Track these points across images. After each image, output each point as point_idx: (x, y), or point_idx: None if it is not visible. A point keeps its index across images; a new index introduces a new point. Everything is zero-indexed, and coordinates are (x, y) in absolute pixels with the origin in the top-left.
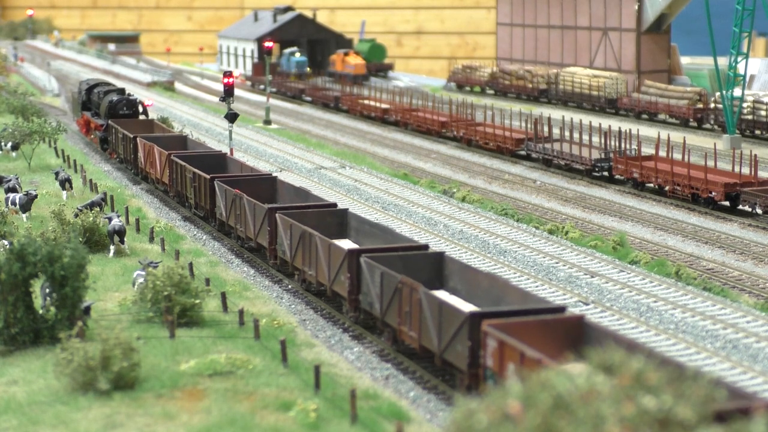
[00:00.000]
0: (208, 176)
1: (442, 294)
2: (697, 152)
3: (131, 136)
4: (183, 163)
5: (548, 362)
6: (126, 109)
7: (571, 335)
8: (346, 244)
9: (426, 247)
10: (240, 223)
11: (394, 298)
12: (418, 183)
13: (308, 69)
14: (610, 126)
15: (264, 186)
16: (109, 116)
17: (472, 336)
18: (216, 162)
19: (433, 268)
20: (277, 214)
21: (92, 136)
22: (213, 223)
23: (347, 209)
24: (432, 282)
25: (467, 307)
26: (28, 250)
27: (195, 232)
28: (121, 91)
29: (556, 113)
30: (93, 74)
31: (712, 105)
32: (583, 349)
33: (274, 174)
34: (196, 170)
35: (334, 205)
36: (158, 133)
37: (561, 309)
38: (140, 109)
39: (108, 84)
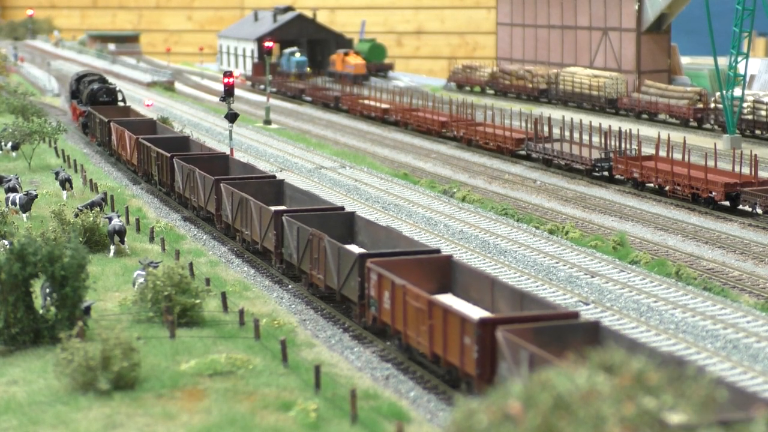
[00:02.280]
0: (168, 154)
1: (351, 247)
2: (697, 152)
3: (106, 120)
4: (149, 144)
5: (411, 288)
6: (106, 96)
7: (441, 272)
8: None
9: (342, 208)
10: (194, 194)
11: (307, 248)
12: (418, 183)
13: (308, 69)
14: (610, 126)
15: (217, 162)
16: (91, 103)
17: (360, 273)
18: (179, 144)
19: (346, 226)
20: (222, 184)
21: (78, 122)
22: (173, 196)
23: (283, 180)
24: (344, 238)
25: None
26: (28, 250)
27: (195, 232)
28: (103, 80)
29: (556, 113)
30: None
31: (713, 105)
32: (448, 284)
33: (227, 153)
34: (159, 150)
35: (273, 176)
36: (132, 118)
37: (435, 251)
38: (119, 96)
39: (95, 75)
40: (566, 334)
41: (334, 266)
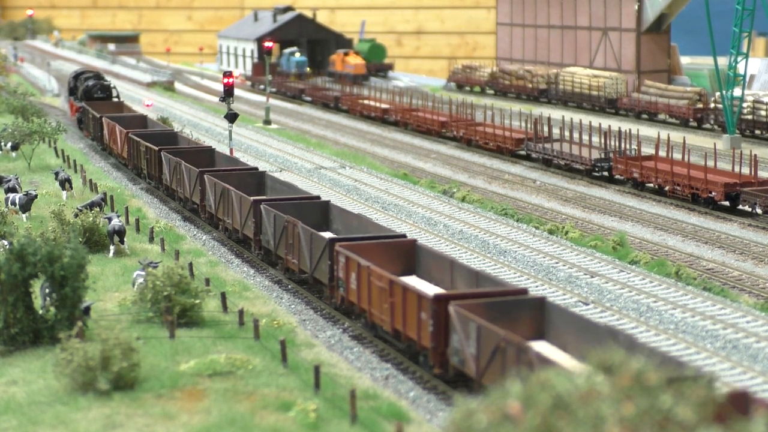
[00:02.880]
0: (156, 148)
1: (325, 233)
2: (697, 152)
3: (98, 115)
4: (138, 139)
5: (374, 269)
6: (100, 92)
7: (406, 255)
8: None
9: (318, 197)
10: (180, 186)
11: (283, 235)
12: (418, 183)
13: (308, 69)
14: (610, 126)
15: (203, 156)
16: (86, 99)
17: (330, 256)
18: (168, 139)
19: (321, 214)
20: (205, 175)
21: (74, 118)
22: (161, 188)
23: (264, 171)
24: (320, 225)
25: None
26: (27, 251)
27: (195, 232)
28: (98, 76)
29: (556, 113)
30: None
31: (712, 105)
32: (412, 266)
33: (214, 147)
34: (147, 144)
35: (255, 168)
36: (124, 113)
37: (401, 236)
38: (114, 93)
39: (92, 72)
40: (515, 308)
41: (307, 251)
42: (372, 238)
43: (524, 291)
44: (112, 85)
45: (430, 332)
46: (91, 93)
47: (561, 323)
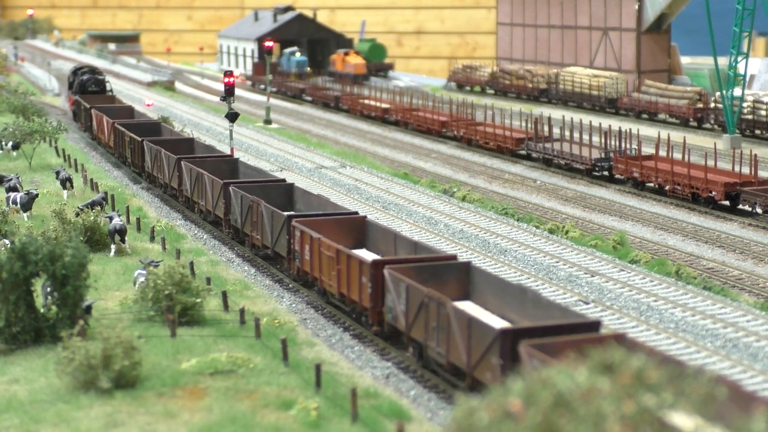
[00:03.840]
0: (139, 138)
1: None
2: (697, 152)
3: (88, 107)
4: (123, 129)
5: (324, 240)
6: (94, 86)
7: (357, 230)
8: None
9: (283, 180)
10: (160, 173)
11: (248, 214)
12: (418, 182)
13: (308, 69)
14: (610, 126)
15: (183, 145)
16: (81, 92)
17: (288, 231)
18: (151, 129)
19: (286, 195)
20: (182, 162)
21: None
22: (144, 175)
23: (238, 159)
24: (285, 205)
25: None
26: (29, 249)
27: (196, 232)
28: (93, 71)
29: (557, 113)
30: None
31: (712, 105)
32: (361, 239)
33: (194, 138)
34: (131, 134)
35: (230, 155)
36: (114, 105)
37: (353, 213)
38: (108, 86)
39: (89, 67)
40: (443, 272)
41: (269, 227)
42: (326, 215)
43: (453, 257)
44: (106, 80)
45: (369, 294)
46: (85, 86)
47: (484, 284)
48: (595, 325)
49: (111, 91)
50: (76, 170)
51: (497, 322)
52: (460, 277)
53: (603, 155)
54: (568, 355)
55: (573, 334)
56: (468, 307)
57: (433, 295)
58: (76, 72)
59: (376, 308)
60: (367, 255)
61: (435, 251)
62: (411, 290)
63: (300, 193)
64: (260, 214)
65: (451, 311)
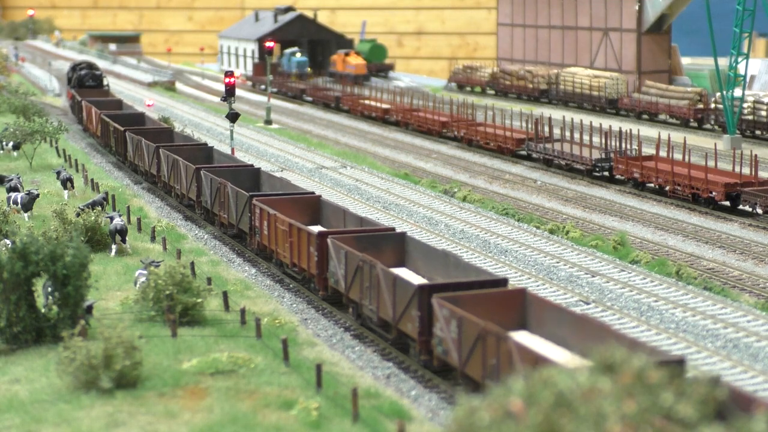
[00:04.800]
0: (122, 128)
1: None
2: (697, 152)
3: (79, 99)
4: (108, 119)
5: (280, 216)
6: (91, 81)
7: (312, 209)
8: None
9: (251, 165)
10: (141, 161)
11: (217, 195)
12: (419, 183)
13: (309, 69)
14: (610, 126)
15: (162, 135)
16: (78, 86)
17: (250, 209)
18: (135, 120)
19: (254, 179)
20: (160, 150)
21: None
22: (126, 164)
23: (213, 147)
24: (252, 188)
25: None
26: (30, 249)
27: (196, 232)
28: (91, 66)
29: (557, 113)
30: None
31: (713, 105)
32: (316, 217)
33: (173, 128)
34: (115, 124)
35: (205, 144)
36: (103, 98)
37: (309, 193)
38: (105, 82)
39: (87, 63)
40: (381, 241)
41: (234, 206)
42: (284, 194)
43: (391, 229)
44: (102, 74)
45: (315, 261)
46: (83, 81)
47: (416, 253)
48: (502, 282)
49: (108, 86)
50: (77, 170)
51: (417, 280)
52: (396, 247)
53: (603, 156)
54: (474, 305)
55: (481, 289)
56: (403, 272)
57: (366, 258)
58: (74, 68)
59: (322, 274)
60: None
61: (375, 223)
62: (348, 255)
63: (266, 177)
64: (227, 195)
65: (380, 271)
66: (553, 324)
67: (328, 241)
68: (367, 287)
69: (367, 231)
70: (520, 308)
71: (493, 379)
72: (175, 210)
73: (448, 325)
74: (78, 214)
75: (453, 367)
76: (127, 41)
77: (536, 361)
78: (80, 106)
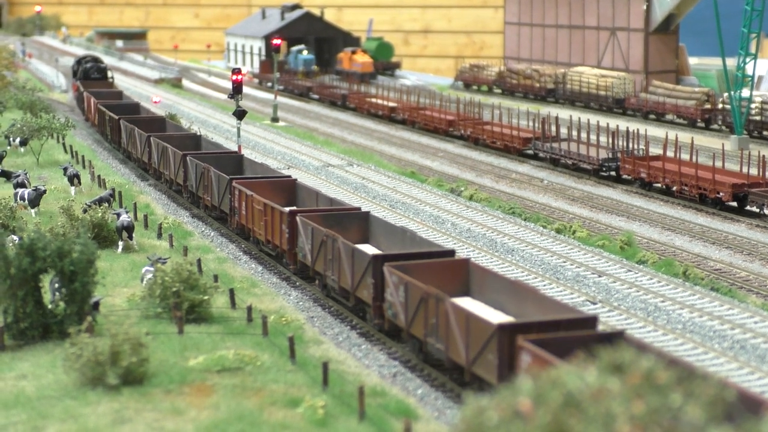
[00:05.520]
0: (116, 117)
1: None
2: (704, 153)
3: (83, 90)
4: (104, 109)
5: (256, 197)
6: (96, 73)
7: (288, 191)
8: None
9: (234, 152)
10: (134, 148)
11: (201, 179)
12: (425, 181)
13: (315, 67)
14: (617, 126)
15: (155, 124)
16: (84, 79)
17: (230, 191)
18: (130, 110)
19: (237, 164)
20: (151, 138)
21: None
22: (120, 150)
23: (201, 136)
24: (235, 173)
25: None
26: (37, 245)
27: (203, 229)
28: (95, 60)
29: (564, 113)
30: None
31: (720, 106)
32: (292, 199)
33: (165, 118)
34: (111, 113)
35: (195, 133)
36: (104, 89)
37: (286, 177)
38: (109, 74)
39: (91, 56)
40: (347, 220)
41: (216, 189)
42: (262, 177)
43: (357, 209)
44: (107, 67)
45: (286, 238)
46: (88, 74)
47: (378, 230)
48: (449, 253)
49: (112, 78)
50: (84, 167)
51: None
52: (361, 225)
53: (610, 155)
54: (420, 272)
55: (429, 259)
56: (366, 247)
57: (329, 233)
58: (80, 61)
59: (292, 250)
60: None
61: (342, 204)
62: (314, 231)
63: (248, 163)
64: (210, 179)
65: (341, 245)
66: (492, 290)
67: (298, 218)
68: (330, 260)
69: (333, 210)
70: (465, 276)
71: (433, 337)
72: (182, 207)
73: (397, 291)
74: (85, 211)
75: (400, 327)
76: (134, 38)
77: (467, 318)
78: (82, 96)
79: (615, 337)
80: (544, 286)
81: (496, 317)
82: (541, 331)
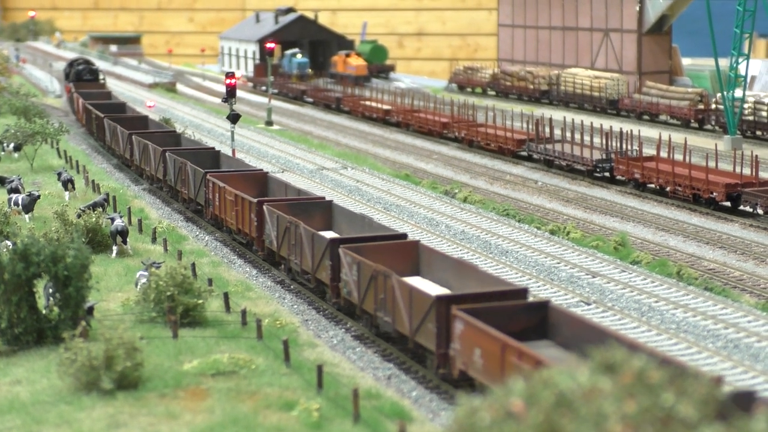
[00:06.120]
0: (102, 115)
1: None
2: (698, 153)
3: (73, 91)
4: (90, 107)
5: (228, 188)
6: (89, 75)
7: (261, 183)
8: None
9: (212, 148)
10: (116, 145)
11: (179, 174)
12: (419, 184)
13: (310, 70)
14: (611, 127)
15: (138, 122)
16: (76, 80)
17: (205, 184)
18: (116, 108)
19: (214, 160)
20: (133, 136)
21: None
22: (105, 147)
23: (181, 134)
24: (213, 168)
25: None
26: (31, 250)
27: (197, 233)
28: (87, 62)
29: (558, 114)
30: None
31: (713, 106)
32: (263, 191)
33: (148, 116)
34: (97, 112)
35: (174, 131)
36: (94, 89)
37: (258, 170)
38: (101, 76)
39: (83, 59)
40: (312, 209)
41: (192, 183)
42: (235, 171)
43: (321, 198)
44: (98, 69)
45: (255, 226)
46: (80, 75)
47: (340, 218)
48: (401, 236)
49: (104, 79)
50: (78, 172)
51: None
52: (325, 213)
53: (604, 156)
54: (374, 254)
55: (380, 241)
56: (328, 234)
57: (293, 220)
58: (72, 63)
59: (260, 237)
60: (267, 202)
61: (308, 194)
62: (279, 219)
63: (224, 158)
64: (187, 173)
65: (303, 230)
66: (439, 269)
67: (265, 207)
68: (293, 244)
69: (299, 199)
70: (415, 257)
71: (382, 311)
72: (176, 211)
73: (351, 270)
74: (79, 216)
75: (354, 304)
76: (128, 42)
77: (410, 292)
78: (72, 97)
79: (541, 306)
80: (538, 287)
81: (433, 289)
82: (475, 301)
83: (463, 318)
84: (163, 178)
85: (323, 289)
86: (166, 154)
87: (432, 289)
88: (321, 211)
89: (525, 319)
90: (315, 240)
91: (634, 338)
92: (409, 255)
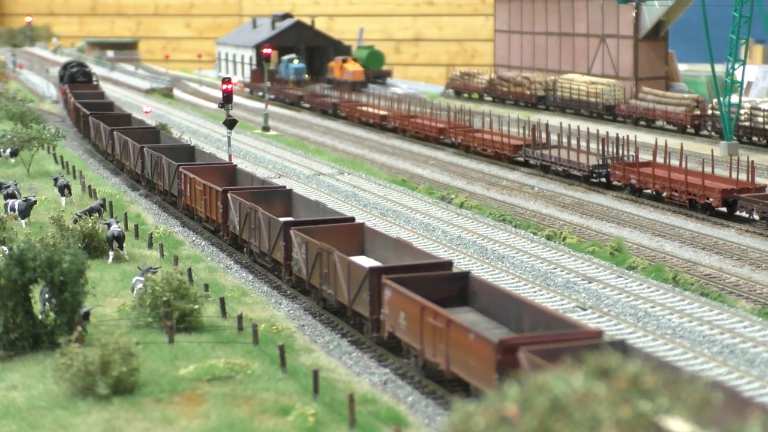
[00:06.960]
0: (88, 112)
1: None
2: (694, 158)
3: (67, 91)
4: (78, 105)
5: (197, 179)
6: (82, 77)
7: (230, 175)
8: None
9: (188, 144)
10: (100, 141)
11: (155, 169)
12: (416, 189)
13: (306, 76)
14: (607, 132)
15: (121, 120)
16: (70, 82)
17: (178, 176)
18: (104, 107)
19: (188, 154)
20: (114, 132)
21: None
22: (89, 143)
23: (160, 131)
24: (187, 160)
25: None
26: (27, 256)
27: (194, 238)
28: (81, 65)
29: (554, 120)
30: None
31: (710, 112)
32: (232, 182)
33: (131, 114)
34: (84, 110)
35: (154, 127)
36: (87, 90)
37: (228, 163)
38: (94, 78)
39: (77, 62)
40: (273, 197)
41: (167, 175)
42: (206, 164)
43: (282, 187)
44: (92, 71)
45: (221, 213)
46: (74, 77)
47: (298, 205)
48: (349, 219)
49: (97, 81)
50: (75, 177)
51: (284, 217)
52: (285, 201)
53: (600, 162)
54: (322, 235)
55: (329, 224)
56: (287, 219)
57: (252, 206)
58: (66, 66)
59: (225, 223)
60: (236, 191)
61: (270, 183)
62: (241, 205)
63: (199, 153)
64: (162, 166)
65: (261, 215)
66: (381, 248)
67: (229, 195)
68: (252, 228)
69: (260, 188)
70: (361, 238)
71: (326, 285)
72: (173, 217)
73: (300, 249)
74: (75, 221)
75: (303, 279)
76: (125, 48)
77: (348, 266)
78: (65, 97)
79: (463, 276)
80: (535, 292)
81: (367, 263)
82: (404, 272)
83: (391, 286)
84: (141, 172)
85: (279, 268)
86: (144, 149)
87: (370, 263)
88: (281, 198)
89: (448, 288)
90: (271, 223)
91: (540, 303)
92: (355, 236)
